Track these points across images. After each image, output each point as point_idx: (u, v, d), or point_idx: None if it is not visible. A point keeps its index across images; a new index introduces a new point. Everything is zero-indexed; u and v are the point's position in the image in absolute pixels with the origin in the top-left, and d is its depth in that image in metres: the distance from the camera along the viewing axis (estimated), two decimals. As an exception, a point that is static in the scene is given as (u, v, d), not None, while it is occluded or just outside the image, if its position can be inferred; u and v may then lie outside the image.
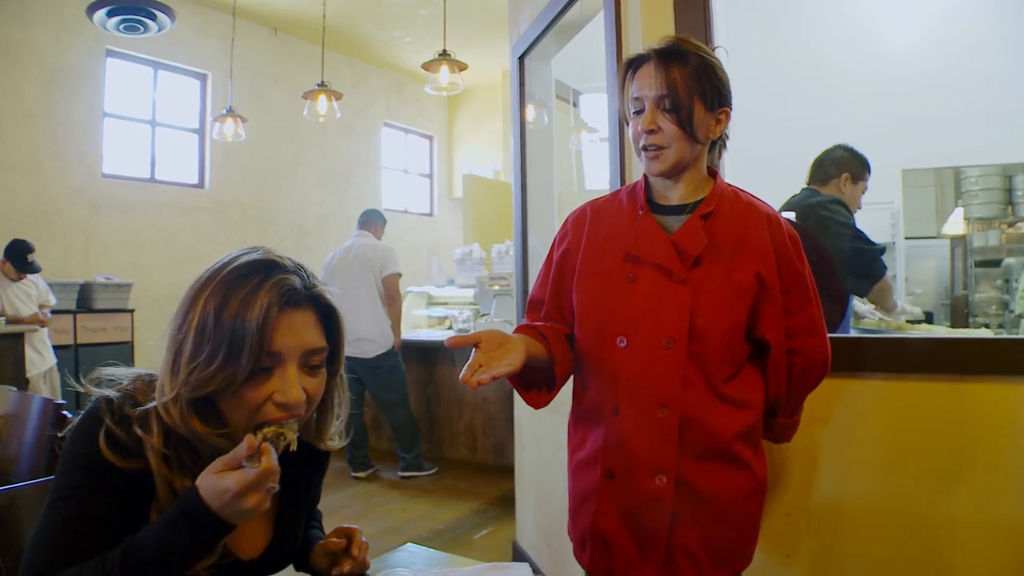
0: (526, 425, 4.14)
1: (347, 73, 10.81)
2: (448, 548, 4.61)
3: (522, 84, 4.17)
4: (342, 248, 6.31)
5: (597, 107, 7.76)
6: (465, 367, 1.64)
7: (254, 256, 1.33)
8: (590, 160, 8.08)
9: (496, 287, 6.77)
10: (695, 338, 1.77)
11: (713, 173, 1.92)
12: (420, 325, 8.07)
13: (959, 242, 6.75)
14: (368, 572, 1.55)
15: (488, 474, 6.43)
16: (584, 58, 4.03)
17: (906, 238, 6.67)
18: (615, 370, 1.84)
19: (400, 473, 6.33)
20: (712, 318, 1.78)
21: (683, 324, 1.77)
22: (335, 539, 1.54)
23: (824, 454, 2.48)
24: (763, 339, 1.84)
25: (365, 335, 6.03)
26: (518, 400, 4.31)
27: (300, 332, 1.30)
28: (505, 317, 6.56)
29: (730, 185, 1.92)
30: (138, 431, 1.25)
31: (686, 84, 1.77)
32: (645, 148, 1.82)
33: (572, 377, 2.01)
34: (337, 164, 10.85)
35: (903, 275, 6.56)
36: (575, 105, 6.36)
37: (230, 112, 7.01)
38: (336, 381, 1.45)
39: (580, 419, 2.00)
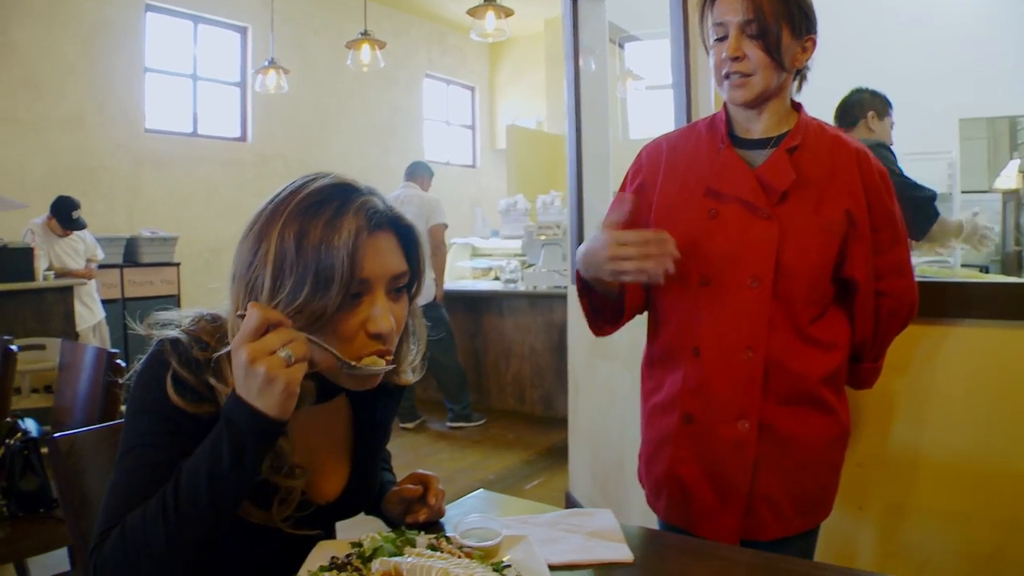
0: (580, 374, 4.08)
1: (388, 24, 10.67)
2: (500, 498, 4.58)
3: (576, 26, 4.04)
4: (389, 198, 6.20)
5: (644, 53, 7.62)
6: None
7: (327, 181, 1.23)
8: (635, 109, 7.94)
9: (544, 236, 6.68)
10: (781, 277, 1.69)
11: (796, 106, 1.82)
12: (464, 276, 8.02)
13: (1011, 196, 6.50)
14: (442, 520, 1.50)
15: (536, 425, 6.41)
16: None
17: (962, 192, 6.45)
18: (696, 310, 1.76)
19: (448, 424, 6.34)
20: (800, 256, 1.69)
21: (769, 262, 1.69)
22: (410, 486, 1.48)
23: (901, 402, 2.39)
24: (851, 279, 1.76)
25: (406, 286, 5.93)
26: (572, 348, 4.24)
27: (385, 257, 1.21)
28: (553, 267, 6.48)
29: (814, 118, 1.82)
30: (212, 381, 1.16)
31: (773, 8, 1.66)
32: (728, 76, 1.72)
33: (647, 319, 1.93)
34: (379, 116, 10.76)
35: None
36: (621, 47, 6.23)
37: (272, 64, 6.93)
38: (412, 308, 1.37)
39: (656, 362, 1.92)
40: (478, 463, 5.41)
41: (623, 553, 1.31)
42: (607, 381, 3.64)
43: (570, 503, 4.17)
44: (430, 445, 5.91)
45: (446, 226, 6.20)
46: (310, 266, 1.13)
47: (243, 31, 9.21)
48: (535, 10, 9.84)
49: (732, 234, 1.72)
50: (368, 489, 1.46)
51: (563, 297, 6.16)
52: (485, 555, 1.19)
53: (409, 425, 6.26)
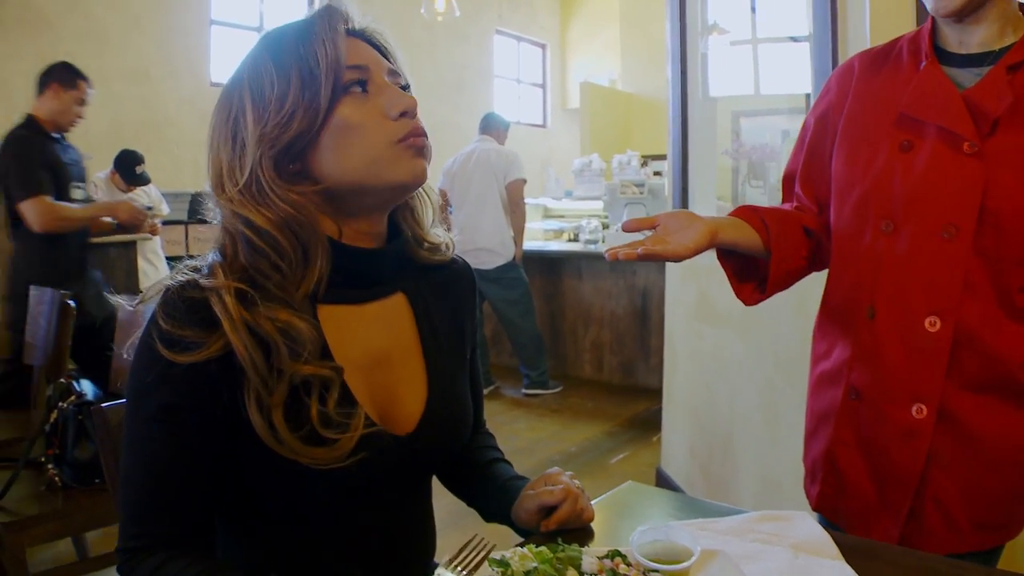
0: (681, 341, 3.73)
1: (457, -23, 10.38)
2: (584, 472, 4.31)
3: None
4: (463, 153, 5.94)
5: (726, 6, 7.20)
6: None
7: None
8: (716, 65, 7.53)
9: (624, 195, 6.32)
10: (986, 227, 1.31)
11: None
12: (536, 238, 7.71)
13: None
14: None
15: (616, 394, 6.08)
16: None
17: None
18: (875, 262, 1.41)
19: (524, 390, 6.04)
20: (1012, 202, 1.31)
21: (970, 208, 1.31)
22: (549, 487, 1.19)
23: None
24: None
25: (485, 245, 5.67)
26: (671, 312, 3.90)
27: (370, 52, 1.11)
28: (636, 228, 6.12)
29: None
30: (204, 282, 1.01)
31: None
32: None
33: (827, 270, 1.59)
34: (449, 72, 10.44)
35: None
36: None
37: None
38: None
39: (827, 321, 1.58)
40: (557, 433, 5.11)
41: (846, 574, 0.98)
42: (715, 349, 3.30)
43: (662, 480, 3.86)
44: (506, 413, 5.62)
45: (525, 181, 5.87)
46: (290, 68, 1.04)
47: (310, -18, 8.97)
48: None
49: (928, 171, 1.36)
50: (451, 411, 1.22)
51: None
52: (677, 581, 0.87)
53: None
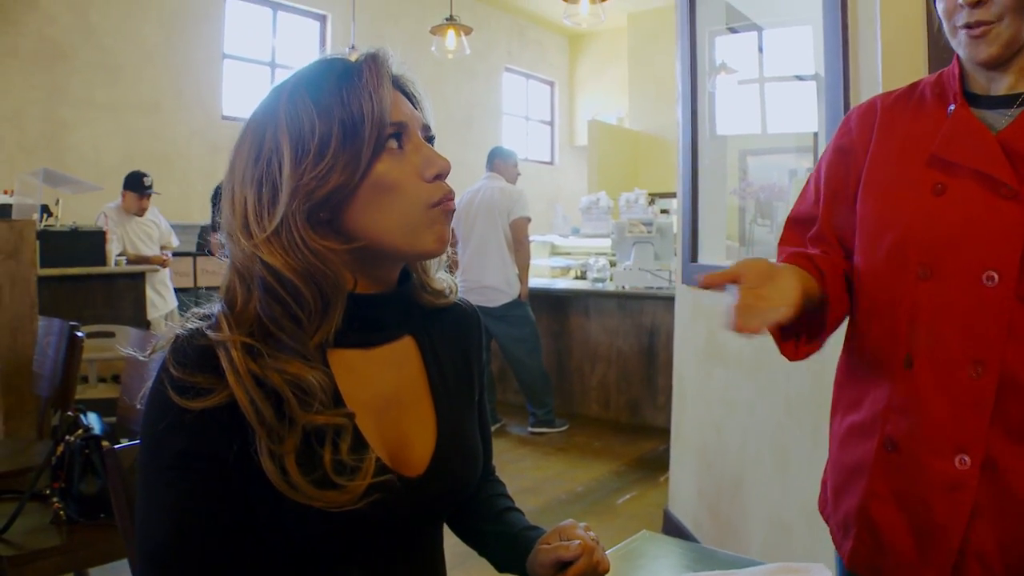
0: (689, 381, 3.72)
1: (467, 15, 10.34)
2: (590, 513, 4.31)
3: (692, 9, 3.71)
4: (470, 191, 5.97)
5: (737, 46, 7.26)
6: (731, 309, 1.24)
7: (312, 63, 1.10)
8: (723, 104, 7.58)
9: (632, 234, 6.33)
10: None
11: None
12: (543, 275, 7.72)
13: None
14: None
15: (623, 433, 6.05)
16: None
17: None
18: (912, 309, 1.37)
19: (530, 429, 6.01)
20: None
21: (1012, 253, 1.28)
22: (564, 543, 1.19)
23: None
24: None
25: (490, 283, 5.67)
26: (679, 352, 3.88)
27: (409, 108, 1.10)
28: (643, 266, 6.13)
29: None
30: (211, 334, 1.00)
31: None
32: (967, 26, 1.34)
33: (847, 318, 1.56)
34: (458, 109, 10.55)
35: None
36: (734, 31, 5.86)
37: (352, 51, 6.72)
38: None
39: (855, 370, 1.54)
40: (564, 472, 5.08)
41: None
42: (724, 390, 3.29)
43: (669, 522, 3.83)
44: (512, 451, 5.59)
45: (529, 220, 5.87)
46: (333, 116, 1.01)
47: (322, 19, 9.13)
48: (617, 3, 9.54)
49: (964, 216, 1.32)
50: (460, 452, 1.22)
51: (654, 298, 5.92)
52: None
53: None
